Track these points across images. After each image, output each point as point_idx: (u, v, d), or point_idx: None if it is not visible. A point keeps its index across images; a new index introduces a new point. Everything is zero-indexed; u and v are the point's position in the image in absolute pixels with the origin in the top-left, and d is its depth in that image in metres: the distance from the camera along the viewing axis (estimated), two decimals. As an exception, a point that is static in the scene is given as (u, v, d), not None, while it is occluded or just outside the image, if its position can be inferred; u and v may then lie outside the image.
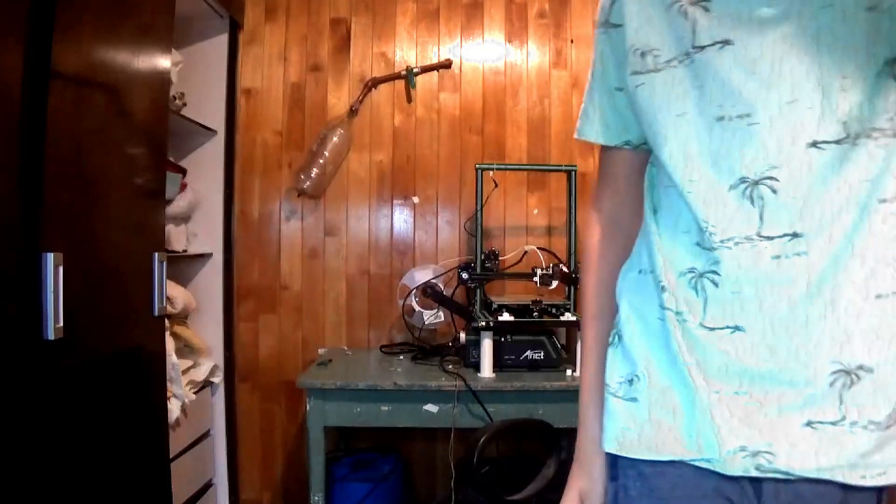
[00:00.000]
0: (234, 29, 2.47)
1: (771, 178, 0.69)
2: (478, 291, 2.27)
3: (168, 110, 1.81)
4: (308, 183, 2.45)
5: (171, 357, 1.94)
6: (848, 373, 0.66)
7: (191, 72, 2.29)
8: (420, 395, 1.97)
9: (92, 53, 1.39)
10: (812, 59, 0.66)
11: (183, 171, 2.28)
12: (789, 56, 0.67)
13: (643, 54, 0.79)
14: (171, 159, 2.19)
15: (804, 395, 0.67)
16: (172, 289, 2.11)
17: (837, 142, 0.67)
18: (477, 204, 2.33)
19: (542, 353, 2.12)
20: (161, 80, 1.72)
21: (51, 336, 1.21)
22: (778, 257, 0.70)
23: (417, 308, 2.35)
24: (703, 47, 0.72)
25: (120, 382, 1.53)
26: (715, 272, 0.73)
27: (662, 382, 0.76)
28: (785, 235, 0.69)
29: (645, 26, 0.78)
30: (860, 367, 0.66)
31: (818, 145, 0.67)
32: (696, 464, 0.73)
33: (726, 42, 0.71)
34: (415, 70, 2.54)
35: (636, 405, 0.78)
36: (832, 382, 0.66)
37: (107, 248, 1.48)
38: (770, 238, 0.70)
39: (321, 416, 1.95)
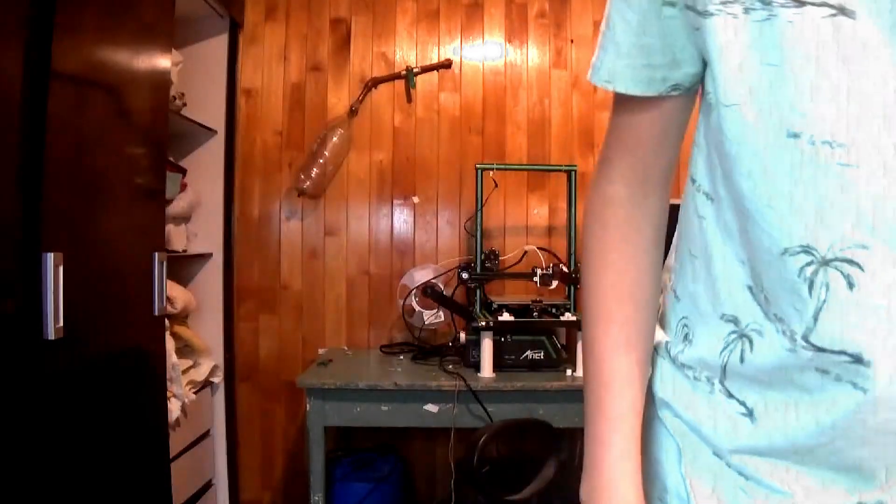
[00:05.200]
0: (234, 29, 2.47)
1: (851, 261, 0.45)
2: (478, 291, 2.27)
3: (168, 110, 1.81)
4: (308, 183, 2.45)
5: (171, 357, 1.94)
6: None
7: (191, 72, 2.29)
8: (420, 394, 1.97)
9: (92, 53, 1.39)
10: None
11: (183, 171, 2.28)
12: None
13: None
14: (171, 159, 2.19)
15: None
16: (172, 289, 2.11)
17: None
18: (477, 204, 2.33)
19: (542, 353, 2.12)
20: (161, 80, 1.72)
21: (51, 336, 1.21)
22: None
23: (417, 308, 2.35)
24: (803, 3, 0.43)
25: (120, 382, 1.53)
26: (756, 341, 0.53)
27: None
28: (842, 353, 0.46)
29: None
30: None
31: None
32: None
33: (842, 10, 0.43)
34: (415, 70, 2.54)
35: None
36: None
37: (107, 248, 1.48)
38: (821, 350, 0.47)
39: (321, 416, 1.95)
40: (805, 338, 0.48)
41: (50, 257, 1.20)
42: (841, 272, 0.45)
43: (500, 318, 2.08)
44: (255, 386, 2.55)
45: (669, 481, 0.62)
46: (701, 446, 0.59)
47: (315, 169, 2.46)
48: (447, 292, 2.32)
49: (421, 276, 2.37)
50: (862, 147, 0.43)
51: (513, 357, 2.11)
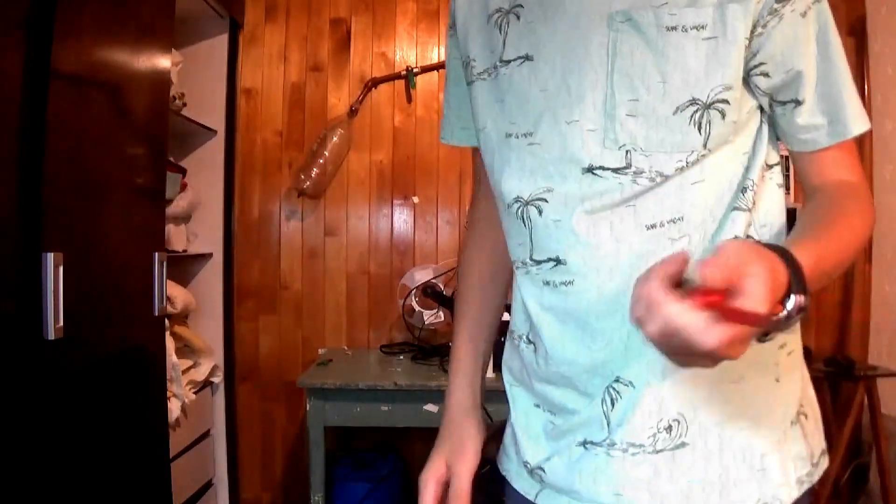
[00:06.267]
0: (234, 29, 2.47)
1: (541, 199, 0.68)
2: (478, 291, 2.27)
3: (168, 110, 1.81)
4: (308, 183, 2.45)
5: (171, 357, 1.94)
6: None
7: (191, 72, 2.29)
8: (420, 394, 1.97)
9: (92, 53, 1.39)
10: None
11: (183, 171, 2.28)
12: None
13: (466, 64, 0.77)
14: (171, 159, 2.19)
15: None
16: (172, 289, 2.11)
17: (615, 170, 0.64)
18: (477, 204, 2.33)
19: (542, 353, 2.12)
20: (161, 80, 1.72)
21: (51, 336, 1.21)
22: (548, 284, 0.70)
23: (417, 308, 2.35)
24: (508, 62, 0.70)
25: (120, 382, 1.53)
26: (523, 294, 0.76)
27: None
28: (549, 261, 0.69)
29: (468, 35, 0.77)
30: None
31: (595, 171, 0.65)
32: None
33: (527, 57, 0.69)
34: (415, 70, 2.54)
35: None
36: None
37: (107, 248, 1.48)
38: (538, 262, 0.70)
39: (321, 416, 1.95)
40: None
41: (50, 257, 1.20)
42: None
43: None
44: (255, 386, 2.55)
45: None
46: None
47: (315, 169, 2.46)
48: (447, 292, 2.32)
49: (421, 276, 2.37)
50: (539, 133, 0.68)
51: (513, 357, 2.11)
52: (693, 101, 0.61)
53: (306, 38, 2.56)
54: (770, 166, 0.69)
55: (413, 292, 2.35)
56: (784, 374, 0.69)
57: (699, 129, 0.62)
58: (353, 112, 2.53)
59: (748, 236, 0.66)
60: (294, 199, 2.54)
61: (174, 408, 1.95)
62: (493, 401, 1.97)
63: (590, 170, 0.65)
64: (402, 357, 2.33)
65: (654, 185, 0.64)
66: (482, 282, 0.88)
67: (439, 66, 2.56)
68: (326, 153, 2.46)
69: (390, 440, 2.52)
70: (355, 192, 2.56)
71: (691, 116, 0.62)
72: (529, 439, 0.76)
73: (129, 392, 1.57)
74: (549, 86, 0.67)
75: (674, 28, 0.61)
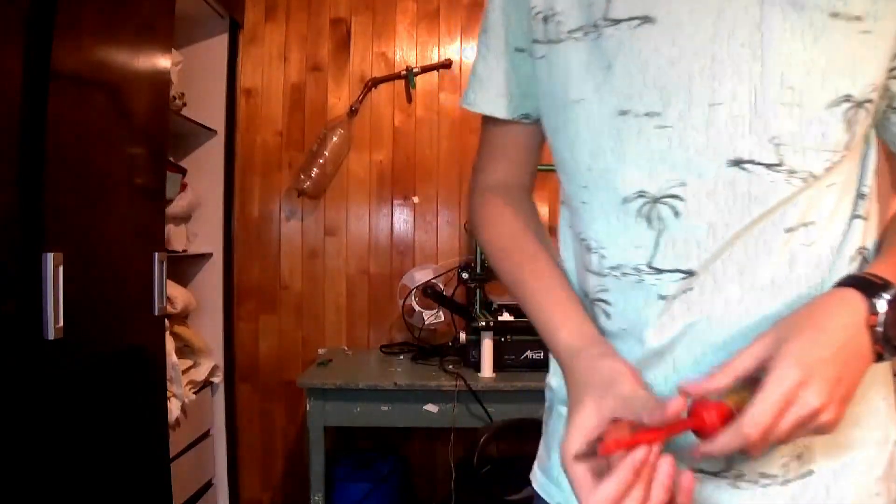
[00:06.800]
0: (234, 29, 2.47)
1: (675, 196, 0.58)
2: (478, 291, 2.27)
3: (168, 110, 1.81)
4: (308, 183, 2.45)
5: (171, 357, 1.94)
6: None
7: (191, 72, 2.29)
8: (420, 395, 1.97)
9: (92, 53, 1.39)
10: None
11: (183, 171, 2.28)
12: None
13: (546, 19, 0.64)
14: (171, 159, 2.19)
15: None
16: (172, 289, 2.11)
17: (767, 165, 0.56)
18: (477, 204, 2.33)
19: (542, 353, 2.12)
20: (161, 80, 1.72)
21: (51, 336, 1.21)
22: (664, 298, 0.59)
23: (417, 308, 2.35)
24: (616, 21, 0.58)
25: (120, 382, 1.53)
26: (605, 301, 0.64)
27: None
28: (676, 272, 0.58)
29: None
30: None
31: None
32: None
33: (646, 19, 0.57)
34: (415, 70, 2.53)
35: None
36: None
37: (107, 248, 1.48)
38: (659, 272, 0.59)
39: (321, 416, 1.95)
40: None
41: (50, 257, 1.20)
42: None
43: (500, 318, 2.08)
44: (255, 386, 2.55)
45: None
46: None
47: (315, 169, 2.46)
48: (447, 292, 2.32)
49: (421, 276, 2.37)
50: (671, 114, 0.57)
51: (513, 357, 2.11)
52: (847, 98, 0.55)
53: (306, 38, 2.56)
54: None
55: (413, 292, 2.35)
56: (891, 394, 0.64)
57: (848, 128, 0.56)
58: (353, 112, 2.53)
59: (863, 248, 0.60)
60: (294, 199, 2.54)
61: (174, 408, 1.95)
62: (493, 401, 1.94)
63: (737, 163, 0.56)
64: (402, 357, 2.33)
65: (805, 188, 0.56)
66: (528, 233, 0.72)
67: (439, 66, 2.56)
68: (326, 153, 2.46)
69: (390, 440, 2.52)
70: (355, 192, 2.56)
71: (844, 113, 0.55)
72: None
73: (128, 392, 1.57)
74: (681, 58, 0.56)
75: (837, 15, 0.53)
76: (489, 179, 0.77)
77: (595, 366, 0.57)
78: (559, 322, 0.63)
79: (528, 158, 0.77)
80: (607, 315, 0.63)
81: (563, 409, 0.68)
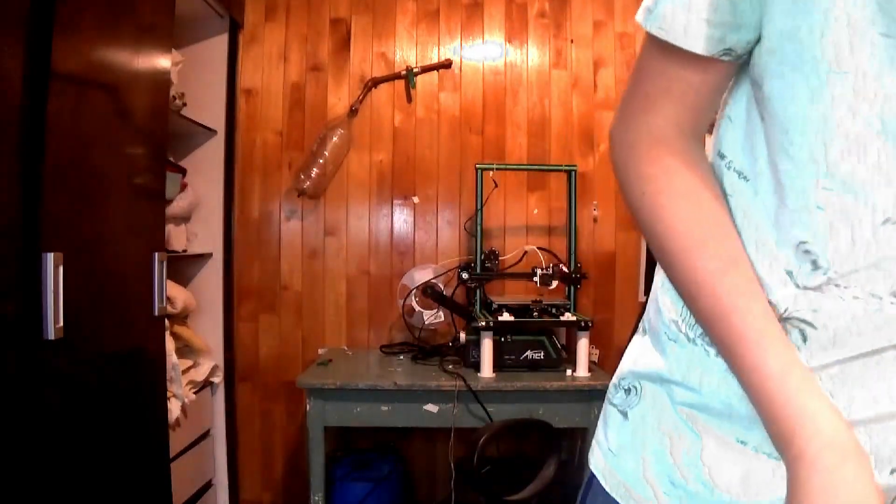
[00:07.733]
0: (234, 29, 2.47)
1: None
2: (478, 291, 2.27)
3: (168, 110, 1.81)
4: (308, 183, 2.45)
5: (171, 357, 1.94)
6: None
7: (191, 72, 2.29)
8: (420, 395, 1.97)
9: (92, 53, 1.39)
10: None
11: (183, 171, 2.28)
12: None
13: None
14: (171, 159, 2.19)
15: None
16: (172, 289, 2.11)
17: None
18: (477, 204, 2.33)
19: (542, 353, 2.12)
20: (161, 80, 1.72)
21: (51, 336, 1.21)
22: None
23: (417, 308, 2.35)
24: None
25: (120, 382, 1.53)
26: (807, 322, 0.50)
27: None
28: None
29: None
30: None
31: None
32: None
33: None
34: (415, 70, 2.53)
35: None
36: None
37: (107, 248, 1.48)
38: None
39: (321, 416, 1.95)
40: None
41: (50, 257, 1.20)
42: None
43: (500, 318, 2.08)
44: (255, 386, 2.55)
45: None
46: None
47: (315, 169, 2.46)
48: (447, 292, 2.32)
49: (421, 276, 2.37)
50: None
51: (513, 357, 2.11)
52: None
53: (306, 38, 2.56)
54: None
55: (413, 292, 2.35)
56: None
57: None
58: (353, 112, 2.53)
59: None
60: (294, 199, 2.54)
61: (174, 408, 1.95)
62: (493, 401, 1.94)
63: None
64: (402, 357, 2.33)
65: None
66: (728, 222, 0.54)
67: (439, 66, 2.56)
68: (326, 153, 2.46)
69: (390, 440, 2.52)
70: (355, 193, 2.56)
71: None
72: None
73: (128, 392, 1.57)
74: None
75: None
76: (665, 126, 0.56)
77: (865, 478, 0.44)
78: (792, 383, 0.48)
79: (710, 107, 0.57)
80: (804, 338, 0.51)
81: (690, 412, 0.57)
